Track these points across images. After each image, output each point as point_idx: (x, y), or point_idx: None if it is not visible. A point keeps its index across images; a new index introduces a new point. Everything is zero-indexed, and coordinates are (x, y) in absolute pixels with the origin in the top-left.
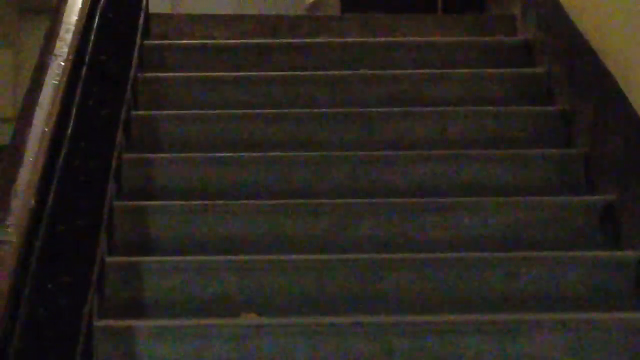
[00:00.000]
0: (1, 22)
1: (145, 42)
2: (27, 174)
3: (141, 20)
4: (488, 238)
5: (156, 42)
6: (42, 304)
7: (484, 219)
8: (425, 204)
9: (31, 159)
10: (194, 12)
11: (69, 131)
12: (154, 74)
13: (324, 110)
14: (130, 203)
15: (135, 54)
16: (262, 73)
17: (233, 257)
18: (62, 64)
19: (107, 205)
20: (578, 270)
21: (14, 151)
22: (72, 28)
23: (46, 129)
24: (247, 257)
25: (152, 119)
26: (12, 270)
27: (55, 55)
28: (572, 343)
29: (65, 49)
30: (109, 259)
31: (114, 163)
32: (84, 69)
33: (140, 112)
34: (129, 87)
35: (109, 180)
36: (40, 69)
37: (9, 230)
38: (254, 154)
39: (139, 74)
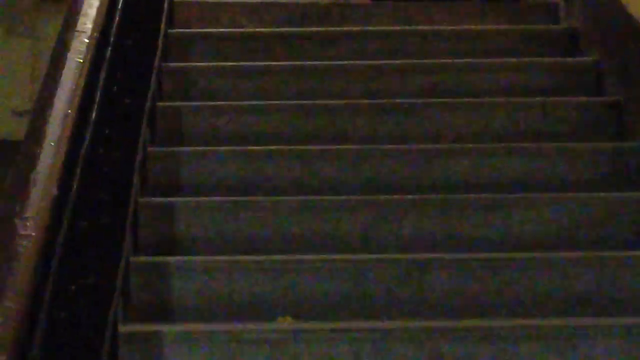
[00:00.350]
0: (18, 9)
1: (170, 30)
2: (48, 159)
3: (165, 6)
4: (540, 237)
5: (181, 30)
6: (64, 308)
7: (534, 216)
8: (471, 201)
9: (53, 143)
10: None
11: (93, 116)
12: (179, 64)
13: (357, 101)
14: (156, 199)
15: (160, 42)
16: (292, 63)
17: (265, 257)
18: (86, 40)
19: (133, 201)
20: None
21: (34, 134)
22: (96, 3)
23: (69, 110)
24: (280, 257)
25: (178, 111)
26: (32, 267)
27: (79, 31)
28: (637, 349)
29: (89, 25)
30: (133, 259)
31: (138, 156)
32: (109, 50)
33: (166, 103)
34: (153, 76)
35: (134, 174)
36: (62, 45)
37: (28, 223)
38: (285, 147)
39: (163, 64)
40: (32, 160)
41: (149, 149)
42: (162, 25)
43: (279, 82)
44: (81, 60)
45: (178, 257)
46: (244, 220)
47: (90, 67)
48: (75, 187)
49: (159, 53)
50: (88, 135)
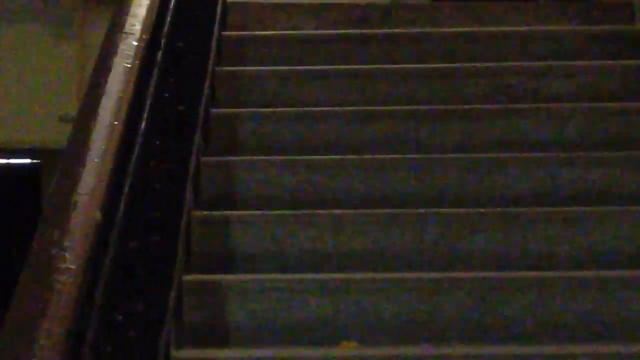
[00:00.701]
0: (64, 11)
1: (224, 33)
2: (91, 178)
3: (219, 8)
4: (622, 254)
5: (236, 33)
6: (109, 341)
7: (615, 231)
8: (547, 214)
9: (97, 160)
10: (276, 1)
11: (142, 126)
12: (233, 68)
13: (422, 107)
14: (210, 213)
15: (213, 46)
16: (352, 67)
17: (327, 276)
18: (135, 43)
19: (185, 215)
20: None
21: (75, 150)
22: (146, 3)
23: (115, 122)
24: (343, 276)
25: (233, 118)
26: (70, 308)
27: (126, 33)
28: None
29: (138, 27)
30: (186, 278)
31: (192, 167)
32: (159, 53)
33: (220, 110)
34: (207, 81)
35: (186, 187)
36: (108, 49)
37: (68, 254)
38: (347, 157)
39: (217, 68)
40: (72, 179)
41: (203, 158)
42: (216, 27)
43: (338, 86)
44: (129, 65)
45: (233, 276)
46: (304, 235)
47: (139, 72)
48: (122, 206)
49: (212, 56)
50: (137, 148)
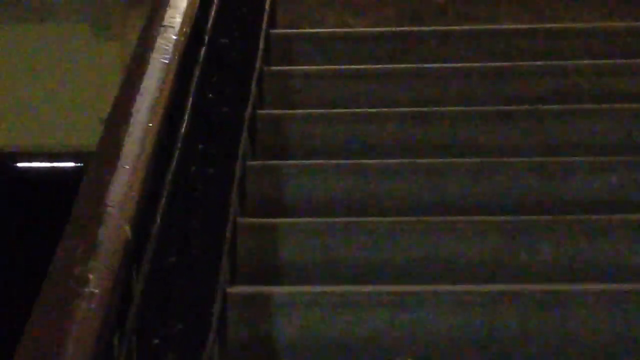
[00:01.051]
0: (105, 11)
1: (272, 30)
2: (121, 188)
3: (267, 5)
4: None
5: (284, 30)
6: None
7: None
8: (618, 223)
9: (127, 166)
10: None
11: (183, 129)
12: (282, 68)
13: (479, 107)
14: (258, 220)
15: (261, 43)
16: (405, 66)
17: (382, 288)
18: (175, 37)
19: (231, 224)
20: None
21: (104, 155)
22: None
23: (150, 124)
24: (400, 288)
25: (282, 119)
26: (92, 339)
27: (165, 26)
28: None
29: (179, 19)
30: (231, 290)
31: (237, 172)
32: (202, 50)
33: (268, 111)
34: (254, 80)
35: (231, 194)
36: (145, 42)
37: (92, 276)
38: (402, 161)
39: (265, 67)
40: (100, 189)
41: (249, 162)
42: (264, 25)
43: (391, 86)
44: (167, 61)
45: (281, 287)
46: (357, 244)
47: (178, 69)
48: (159, 218)
49: (260, 54)
50: (176, 153)
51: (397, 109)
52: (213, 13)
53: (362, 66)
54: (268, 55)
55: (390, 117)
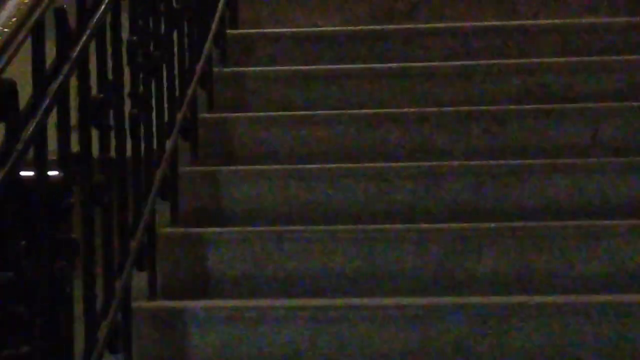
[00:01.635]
0: None
1: (230, 31)
2: None
3: (221, 3)
4: None
5: (244, 31)
6: None
7: None
8: (571, 229)
9: None
10: None
11: None
12: (237, 69)
13: (437, 108)
14: (188, 230)
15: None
16: (367, 65)
17: (304, 302)
18: None
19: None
20: None
21: None
22: None
23: None
24: (325, 302)
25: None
26: None
27: None
28: None
29: None
30: (146, 305)
31: (159, 176)
32: None
33: (218, 115)
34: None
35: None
36: None
37: None
38: (346, 166)
39: (216, 69)
40: None
41: (187, 168)
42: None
43: (347, 88)
44: None
45: (199, 302)
46: (288, 255)
47: None
48: None
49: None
50: None
51: (344, 111)
52: None
53: (317, 67)
54: (225, 57)
55: (340, 118)
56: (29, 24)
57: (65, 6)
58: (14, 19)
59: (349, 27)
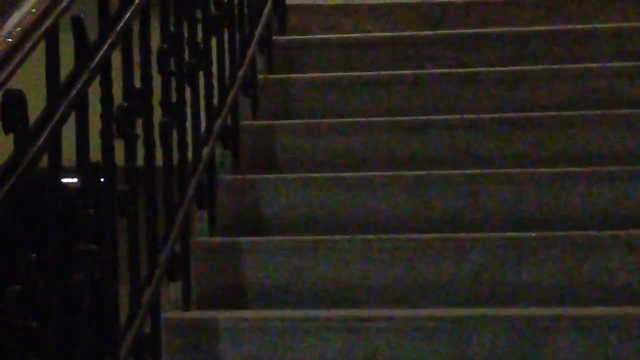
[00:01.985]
0: None
1: (277, 37)
2: None
3: (267, 9)
4: None
5: (291, 37)
6: None
7: None
8: (615, 239)
9: None
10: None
11: None
12: (283, 76)
13: (481, 115)
14: (225, 239)
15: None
16: (414, 71)
17: (339, 313)
18: None
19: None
20: None
21: None
22: None
23: None
24: (360, 313)
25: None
26: None
27: None
28: None
29: None
30: (174, 315)
31: (194, 185)
32: None
33: (262, 122)
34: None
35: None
36: None
37: None
38: (388, 174)
39: (261, 75)
40: None
41: (227, 176)
42: (259, 31)
43: (398, 93)
44: None
45: (229, 312)
46: (325, 265)
47: None
48: None
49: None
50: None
51: (384, 118)
52: None
53: (362, 73)
54: (272, 63)
55: (379, 127)
56: (38, 32)
57: (81, 15)
58: (18, 29)
59: (397, 33)
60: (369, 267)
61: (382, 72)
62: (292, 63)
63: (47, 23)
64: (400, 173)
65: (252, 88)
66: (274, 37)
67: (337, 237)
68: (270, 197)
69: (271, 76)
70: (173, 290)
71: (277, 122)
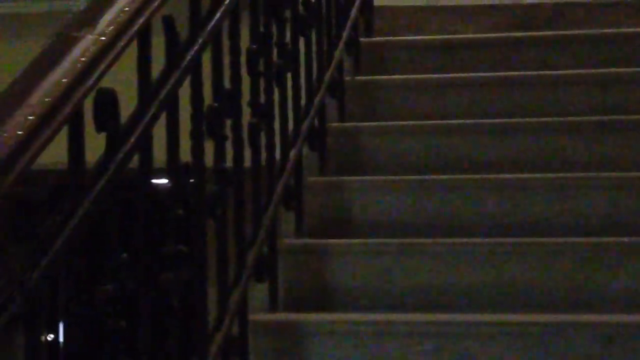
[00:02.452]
0: None
1: (364, 39)
2: None
3: (354, 10)
4: None
5: (378, 39)
6: None
7: None
8: None
9: None
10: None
11: None
12: (370, 78)
13: (571, 118)
14: (311, 241)
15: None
16: (502, 73)
17: (428, 317)
18: None
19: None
20: None
21: None
22: None
23: None
24: (450, 317)
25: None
26: None
27: None
28: None
29: None
30: (266, 318)
31: (281, 187)
32: None
33: (348, 124)
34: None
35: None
36: None
37: None
38: (477, 177)
39: (348, 77)
40: None
41: (314, 178)
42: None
43: (486, 95)
44: None
45: (320, 315)
46: (411, 269)
47: None
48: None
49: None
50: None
51: (472, 120)
52: None
53: (452, 75)
54: (359, 65)
55: (466, 129)
56: (131, 31)
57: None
58: (111, 27)
59: (485, 35)
60: (458, 270)
61: (470, 74)
62: (378, 64)
63: (140, 22)
64: (489, 176)
65: (339, 89)
66: (360, 39)
67: (426, 240)
68: (357, 199)
69: (358, 78)
70: (259, 292)
71: (364, 123)
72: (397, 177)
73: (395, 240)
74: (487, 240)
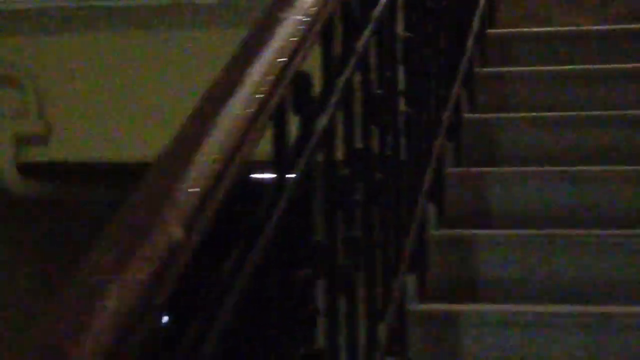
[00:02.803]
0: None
1: (488, 30)
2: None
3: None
4: None
5: (501, 30)
6: None
7: None
8: None
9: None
10: None
11: None
12: (496, 69)
13: None
14: (456, 232)
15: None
16: (629, 65)
17: (584, 309)
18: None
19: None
20: None
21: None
22: None
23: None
24: (608, 309)
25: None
26: None
27: None
28: None
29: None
30: (417, 308)
31: (428, 177)
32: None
33: (479, 115)
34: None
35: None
36: None
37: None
38: (615, 168)
39: (476, 69)
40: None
41: (451, 169)
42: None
43: (616, 87)
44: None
45: (468, 306)
46: (562, 261)
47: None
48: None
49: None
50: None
51: (606, 112)
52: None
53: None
54: (484, 57)
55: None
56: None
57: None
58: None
59: (608, 27)
60: (602, 263)
61: (597, 66)
62: (503, 56)
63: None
64: (624, 167)
65: (470, 81)
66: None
67: (573, 231)
68: (493, 190)
69: (485, 69)
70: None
71: (494, 115)
72: (534, 169)
73: (542, 232)
74: (630, 231)
